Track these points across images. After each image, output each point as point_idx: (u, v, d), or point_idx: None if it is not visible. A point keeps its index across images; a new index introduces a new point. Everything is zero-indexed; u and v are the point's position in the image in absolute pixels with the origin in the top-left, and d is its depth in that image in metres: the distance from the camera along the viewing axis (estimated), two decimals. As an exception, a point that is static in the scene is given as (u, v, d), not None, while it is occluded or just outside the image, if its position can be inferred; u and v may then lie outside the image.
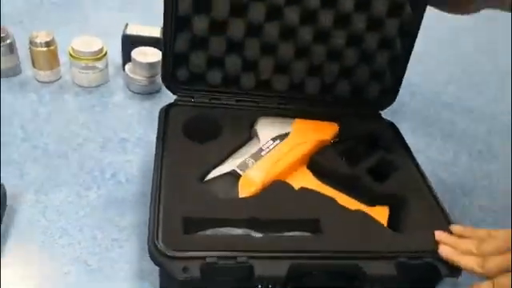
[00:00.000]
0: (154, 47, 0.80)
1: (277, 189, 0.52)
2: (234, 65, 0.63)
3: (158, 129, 0.57)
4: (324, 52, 0.64)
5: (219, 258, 0.43)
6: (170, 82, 0.62)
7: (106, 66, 0.80)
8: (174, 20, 0.58)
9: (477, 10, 0.59)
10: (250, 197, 0.51)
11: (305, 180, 0.56)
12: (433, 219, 0.53)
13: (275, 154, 0.56)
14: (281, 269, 0.44)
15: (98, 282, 0.51)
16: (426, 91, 0.94)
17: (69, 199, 0.60)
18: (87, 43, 0.77)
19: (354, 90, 0.67)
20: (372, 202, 0.56)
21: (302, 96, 0.66)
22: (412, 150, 0.63)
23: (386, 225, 0.53)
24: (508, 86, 0.97)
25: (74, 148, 0.67)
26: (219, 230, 0.48)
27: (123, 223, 0.58)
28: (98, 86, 0.80)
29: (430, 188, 0.57)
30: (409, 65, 0.66)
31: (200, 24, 0.59)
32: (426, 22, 0.63)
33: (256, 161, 0.54)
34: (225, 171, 0.52)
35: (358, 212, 0.52)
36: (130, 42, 0.80)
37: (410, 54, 0.65)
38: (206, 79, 0.63)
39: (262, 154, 0.55)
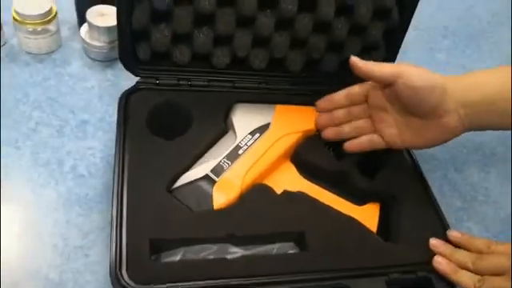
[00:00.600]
0: (113, 4, 0.69)
1: (256, 196, 0.47)
2: (204, 40, 0.53)
3: (118, 124, 0.49)
4: (310, 23, 0.55)
5: (191, 290, 0.38)
6: (130, 62, 0.53)
7: (58, 28, 0.69)
8: (129, -10, 0.47)
9: None
10: (227, 208, 0.45)
11: (289, 178, 0.50)
12: (427, 222, 0.49)
13: (254, 151, 0.49)
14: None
15: (61, 300, 0.46)
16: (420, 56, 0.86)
17: (22, 199, 0.53)
18: (33, 3, 0.65)
19: (344, 66, 0.59)
20: (361, 199, 0.51)
21: (285, 74, 0.58)
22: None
23: (376, 225, 0.49)
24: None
25: (25, 134, 0.59)
26: (193, 249, 0.43)
27: (87, 227, 0.52)
28: (50, 53, 0.70)
29: (425, 185, 0.52)
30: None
31: (161, -6, 0.49)
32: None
33: (232, 162, 0.48)
34: (196, 177, 0.46)
35: (346, 220, 0.47)
36: (85, 1, 0.69)
37: (409, 24, 0.56)
38: (171, 58, 0.54)
39: (240, 152, 0.49)
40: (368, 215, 0.48)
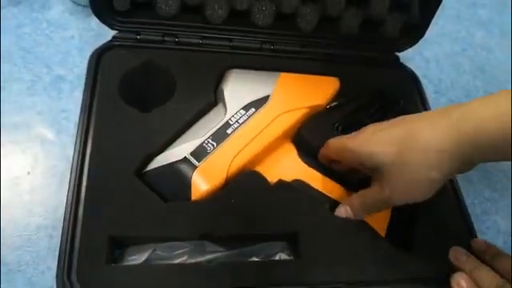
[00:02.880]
0: None
1: (243, 186, 0.38)
2: (195, -13, 0.43)
3: (85, 87, 0.41)
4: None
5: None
6: (105, 12, 0.43)
7: (36, -36, 0.59)
8: None
9: None
10: (207, 200, 0.37)
11: (287, 164, 0.42)
12: (448, 226, 0.40)
13: (247, 131, 0.40)
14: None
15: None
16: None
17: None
18: None
19: (366, 25, 0.49)
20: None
21: (294, 32, 0.48)
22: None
23: (385, 227, 0.41)
24: None
25: (-10, 90, 0.52)
26: (163, 247, 0.36)
27: (53, 202, 0.45)
28: (27, -6, 0.60)
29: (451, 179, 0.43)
30: None
31: None
32: None
33: (218, 144, 0.39)
34: (173, 160, 0.38)
35: (351, 221, 0.39)
36: None
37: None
38: (155, 8, 0.45)
39: (228, 131, 0.40)
40: (377, 215, 0.40)
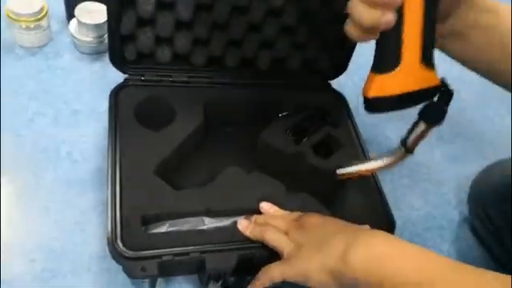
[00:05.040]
0: (100, 1, 0.75)
1: (229, 176, 0.56)
2: (183, 42, 0.61)
3: (109, 116, 0.57)
4: (276, 28, 0.63)
5: (174, 255, 0.48)
6: (119, 62, 0.60)
7: (49, 23, 0.75)
8: (117, 0, 0.55)
9: None
10: (204, 186, 0.54)
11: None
12: (369, 201, 0.59)
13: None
14: (230, 261, 0.49)
15: (64, 266, 0.55)
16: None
17: (25, 182, 0.61)
18: (25, 2, 0.71)
19: (305, 63, 0.68)
20: (316, 179, 0.61)
21: (254, 70, 0.67)
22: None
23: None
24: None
25: (24, 123, 0.67)
26: (176, 222, 0.52)
27: (83, 205, 0.61)
28: (41, 47, 0.76)
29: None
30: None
31: (146, 4, 0.56)
32: None
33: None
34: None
35: (301, 195, 0.57)
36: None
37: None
38: (155, 57, 0.62)
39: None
40: None
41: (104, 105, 0.59)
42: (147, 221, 0.51)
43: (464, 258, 0.70)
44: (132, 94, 0.60)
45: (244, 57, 0.65)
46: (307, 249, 0.46)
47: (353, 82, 0.86)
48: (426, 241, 0.70)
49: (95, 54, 0.77)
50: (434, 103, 0.46)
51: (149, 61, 0.62)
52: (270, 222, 0.51)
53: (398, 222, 0.59)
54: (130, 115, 0.58)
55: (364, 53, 0.68)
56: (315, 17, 0.63)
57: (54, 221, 0.58)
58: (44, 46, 0.76)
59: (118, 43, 0.58)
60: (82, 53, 0.77)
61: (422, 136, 0.48)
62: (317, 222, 0.50)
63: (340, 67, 0.70)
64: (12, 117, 0.66)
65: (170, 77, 0.63)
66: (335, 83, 0.71)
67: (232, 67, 0.65)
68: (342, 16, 0.63)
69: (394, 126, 0.81)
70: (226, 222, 0.54)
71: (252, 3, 0.60)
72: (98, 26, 0.74)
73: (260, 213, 0.54)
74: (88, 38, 0.75)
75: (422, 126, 0.47)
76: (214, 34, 0.62)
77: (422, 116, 0.47)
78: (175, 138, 0.57)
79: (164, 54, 0.62)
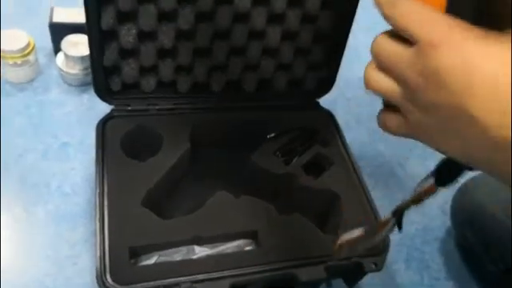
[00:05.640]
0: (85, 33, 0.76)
1: (218, 201, 0.55)
2: (167, 70, 0.62)
3: (96, 149, 0.57)
4: (259, 50, 0.63)
5: (164, 287, 0.47)
6: (104, 94, 0.61)
7: (36, 57, 0.76)
8: (99, 33, 0.55)
9: None
10: (192, 214, 0.54)
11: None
12: (362, 216, 0.58)
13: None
14: (222, 288, 0.48)
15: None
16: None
17: (17, 217, 0.61)
18: (11, 38, 0.72)
19: (292, 83, 0.68)
20: (308, 198, 0.61)
21: (240, 93, 0.67)
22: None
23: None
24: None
25: (14, 159, 0.67)
26: (166, 252, 0.52)
27: (74, 238, 0.60)
28: (29, 81, 0.76)
29: (362, 184, 0.61)
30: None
31: (127, 35, 0.56)
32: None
33: None
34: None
35: (293, 216, 0.57)
36: (59, 30, 0.76)
37: (345, 44, 0.65)
38: (140, 87, 0.62)
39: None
40: None
41: (93, 136, 0.60)
42: (136, 252, 0.51)
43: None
44: (118, 124, 0.60)
45: (229, 80, 0.66)
46: None
47: (344, 97, 0.87)
48: (424, 255, 0.69)
49: (83, 85, 0.78)
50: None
51: (134, 90, 0.62)
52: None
53: (395, 238, 0.59)
54: (116, 146, 0.58)
55: (353, 68, 0.69)
56: (298, 37, 0.64)
57: (46, 256, 0.58)
58: (32, 80, 0.77)
59: (102, 75, 0.59)
60: (70, 85, 0.78)
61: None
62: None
63: (326, 85, 0.70)
64: (1, 153, 0.67)
65: (157, 105, 0.63)
66: (326, 100, 0.71)
67: (217, 92, 0.66)
68: (325, 35, 0.65)
69: (386, 141, 0.81)
70: (217, 249, 0.53)
71: (233, 27, 0.60)
72: (84, 58, 0.74)
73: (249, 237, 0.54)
74: (75, 70, 0.76)
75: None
76: (198, 60, 0.62)
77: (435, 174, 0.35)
78: (161, 168, 0.57)
79: (149, 83, 0.62)
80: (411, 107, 0.30)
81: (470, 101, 0.26)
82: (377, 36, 0.31)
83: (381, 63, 0.31)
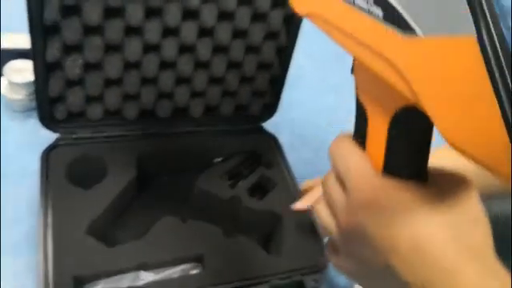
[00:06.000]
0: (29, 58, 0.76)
1: (164, 226, 0.57)
2: (114, 99, 0.63)
3: (41, 177, 0.57)
4: (206, 78, 0.66)
5: (110, 316, 0.48)
6: (49, 122, 0.61)
7: (-22, 83, 0.75)
8: (44, 65, 0.56)
9: None
10: (138, 240, 0.55)
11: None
12: (305, 236, 0.61)
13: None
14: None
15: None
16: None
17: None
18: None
19: (237, 109, 0.72)
20: (253, 220, 0.63)
21: (187, 119, 0.69)
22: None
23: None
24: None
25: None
26: (112, 279, 0.52)
27: (16, 268, 0.59)
28: (-29, 107, 0.75)
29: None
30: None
31: (73, 67, 0.58)
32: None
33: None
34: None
35: (238, 238, 0.59)
36: (6, 56, 0.75)
37: (287, 72, 0.69)
38: (86, 115, 0.63)
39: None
40: None
41: (38, 163, 0.59)
42: (81, 281, 0.51)
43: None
44: (63, 153, 0.61)
45: (176, 107, 0.68)
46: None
47: (289, 117, 0.90)
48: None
49: (28, 111, 0.77)
50: None
51: (80, 119, 0.63)
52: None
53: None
54: (61, 175, 0.58)
55: (296, 89, 0.73)
56: (243, 66, 0.67)
57: (-13, 289, 0.57)
58: (-26, 106, 0.75)
59: (46, 104, 0.59)
60: (15, 111, 0.77)
61: None
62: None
63: (270, 110, 0.74)
64: None
65: (103, 132, 0.64)
66: (271, 121, 0.75)
67: (163, 118, 0.67)
68: (268, 64, 0.69)
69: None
70: (163, 273, 0.55)
71: (180, 57, 0.62)
72: (28, 84, 0.74)
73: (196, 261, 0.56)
74: (19, 96, 0.75)
75: None
76: (144, 88, 0.64)
77: None
78: (107, 195, 0.58)
79: (95, 111, 0.63)
80: (340, 247, 0.32)
81: (394, 260, 0.27)
82: (328, 171, 0.32)
83: (324, 197, 0.33)
